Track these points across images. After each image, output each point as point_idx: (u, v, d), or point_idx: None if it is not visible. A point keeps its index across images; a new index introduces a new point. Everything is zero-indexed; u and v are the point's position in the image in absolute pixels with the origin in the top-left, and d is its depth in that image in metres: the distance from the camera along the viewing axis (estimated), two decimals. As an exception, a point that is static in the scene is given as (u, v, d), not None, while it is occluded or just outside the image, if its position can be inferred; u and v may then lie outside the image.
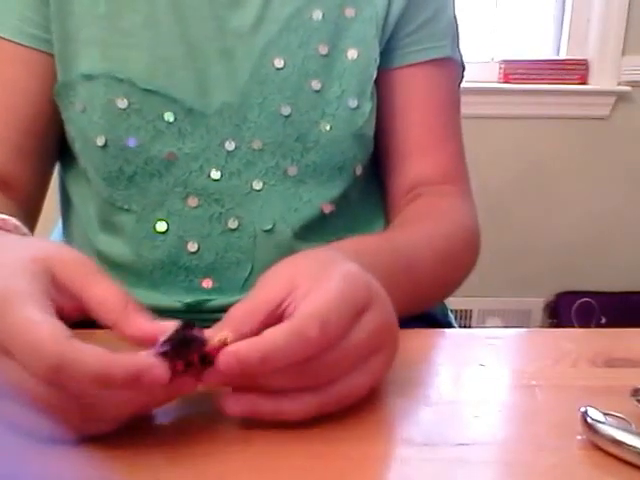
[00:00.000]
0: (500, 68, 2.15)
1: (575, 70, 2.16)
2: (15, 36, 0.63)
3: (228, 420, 0.40)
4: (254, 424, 0.40)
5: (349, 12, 0.65)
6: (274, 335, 0.37)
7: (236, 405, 0.39)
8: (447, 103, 0.70)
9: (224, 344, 0.37)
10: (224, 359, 0.36)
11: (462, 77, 0.74)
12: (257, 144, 0.63)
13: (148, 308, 0.65)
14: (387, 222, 0.73)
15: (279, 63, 0.63)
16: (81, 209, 0.70)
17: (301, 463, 0.37)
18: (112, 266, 0.67)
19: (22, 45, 0.63)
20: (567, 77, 2.15)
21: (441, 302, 0.76)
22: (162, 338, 0.36)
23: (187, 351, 0.37)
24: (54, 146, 0.68)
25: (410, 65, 0.68)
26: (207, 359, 0.37)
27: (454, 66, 0.71)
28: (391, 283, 0.46)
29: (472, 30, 2.15)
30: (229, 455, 0.38)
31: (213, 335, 0.37)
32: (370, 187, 0.72)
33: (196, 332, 0.37)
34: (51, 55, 0.63)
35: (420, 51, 0.68)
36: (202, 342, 0.37)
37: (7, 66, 0.64)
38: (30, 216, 0.67)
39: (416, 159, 0.69)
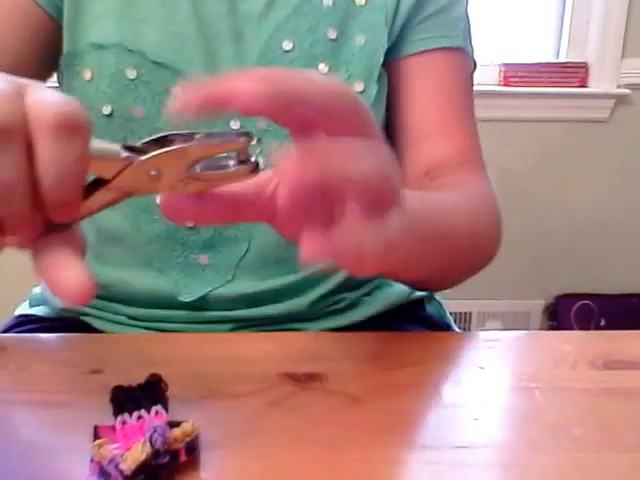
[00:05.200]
0: (500, 71, 2.15)
1: (575, 73, 2.16)
2: None
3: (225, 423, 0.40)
4: (249, 428, 0.40)
5: (359, 0, 0.65)
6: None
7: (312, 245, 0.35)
8: (459, 91, 0.70)
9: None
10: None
11: (473, 74, 0.74)
12: (262, 124, 0.63)
13: (141, 296, 0.66)
14: None
15: (287, 45, 0.63)
16: None
17: (300, 468, 0.37)
18: (109, 240, 0.67)
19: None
20: (567, 80, 2.15)
21: (438, 305, 0.76)
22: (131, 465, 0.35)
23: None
24: None
25: (421, 52, 0.68)
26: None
27: (466, 58, 0.72)
28: (423, 231, 0.46)
29: (472, 33, 2.15)
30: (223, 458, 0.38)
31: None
32: None
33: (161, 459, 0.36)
34: (54, 22, 0.63)
35: (431, 39, 0.68)
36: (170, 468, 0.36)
37: (8, 10, 0.63)
38: None
39: (431, 143, 0.69)
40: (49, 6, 0.63)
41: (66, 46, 0.63)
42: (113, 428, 0.38)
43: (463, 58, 0.71)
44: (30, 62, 0.64)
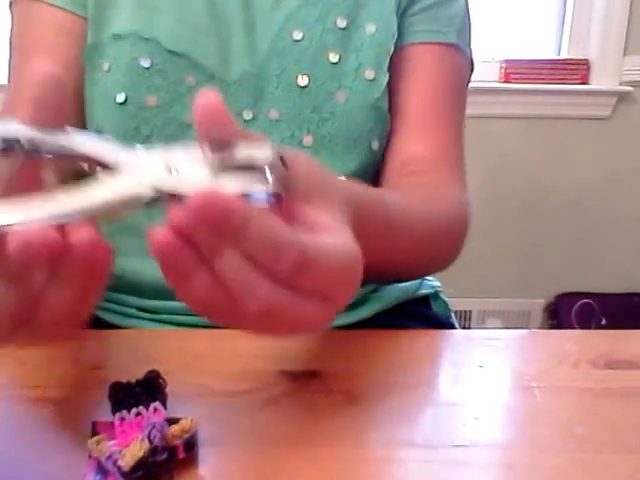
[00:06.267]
0: (501, 68, 2.15)
1: (576, 70, 2.15)
2: (58, 1, 0.65)
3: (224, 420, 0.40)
4: (248, 425, 0.40)
5: None
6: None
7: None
8: (449, 89, 0.70)
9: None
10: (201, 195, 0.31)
11: (470, 75, 0.74)
12: (274, 114, 0.65)
13: (152, 287, 0.65)
14: None
15: (297, 35, 0.64)
16: None
17: (298, 465, 0.37)
18: (121, 230, 0.67)
19: (64, 10, 0.65)
20: (568, 77, 2.15)
21: (443, 304, 0.76)
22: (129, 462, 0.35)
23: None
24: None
25: (414, 44, 0.69)
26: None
27: (460, 57, 0.71)
28: (375, 241, 0.46)
29: (473, 29, 2.15)
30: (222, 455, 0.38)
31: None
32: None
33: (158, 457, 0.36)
34: (84, 19, 0.65)
35: (424, 32, 0.69)
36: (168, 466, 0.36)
37: (53, 32, 0.66)
38: None
39: (411, 137, 0.69)
40: (78, 8, 0.65)
41: (89, 39, 0.65)
42: (112, 424, 0.38)
43: (456, 56, 0.71)
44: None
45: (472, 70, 0.73)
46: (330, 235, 0.35)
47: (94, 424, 0.39)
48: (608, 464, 0.37)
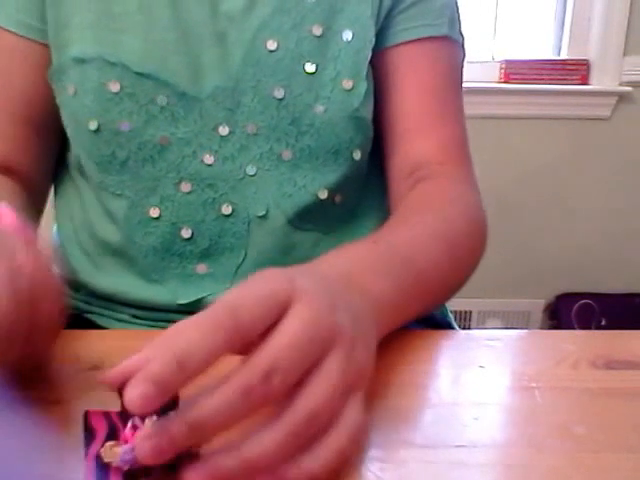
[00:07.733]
0: (501, 68, 2.15)
1: (576, 70, 2.15)
2: (12, 26, 0.64)
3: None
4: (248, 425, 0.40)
5: None
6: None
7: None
8: (445, 83, 0.68)
9: None
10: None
11: (462, 62, 0.72)
12: (251, 128, 0.62)
13: (141, 304, 0.66)
14: (388, 210, 0.70)
15: (272, 45, 0.62)
16: (84, 194, 0.70)
17: (299, 464, 0.37)
18: (107, 251, 0.67)
19: (19, 35, 0.64)
20: (568, 77, 2.15)
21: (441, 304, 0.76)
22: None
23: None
24: (55, 131, 0.68)
25: (405, 43, 0.66)
26: None
27: (453, 47, 0.69)
28: (393, 282, 0.47)
29: (473, 30, 2.15)
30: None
31: None
32: (371, 177, 0.71)
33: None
34: (46, 45, 0.64)
35: (415, 28, 0.66)
36: None
37: (5, 58, 0.65)
38: (37, 198, 0.69)
39: (415, 139, 0.67)
40: (37, 35, 0.64)
41: (53, 62, 0.63)
42: (104, 414, 0.38)
43: (450, 47, 0.69)
44: (45, 90, 0.65)
45: (464, 56, 0.72)
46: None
47: (86, 413, 0.38)
48: (608, 464, 0.37)
